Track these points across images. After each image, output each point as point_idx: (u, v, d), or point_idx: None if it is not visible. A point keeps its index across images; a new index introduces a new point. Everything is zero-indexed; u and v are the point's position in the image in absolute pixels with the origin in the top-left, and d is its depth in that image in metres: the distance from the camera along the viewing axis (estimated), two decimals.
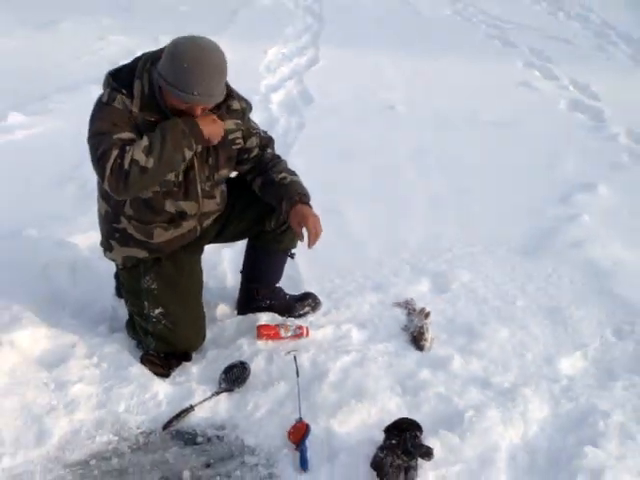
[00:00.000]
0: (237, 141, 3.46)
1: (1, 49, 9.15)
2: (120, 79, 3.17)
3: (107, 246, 3.58)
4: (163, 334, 3.53)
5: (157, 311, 3.49)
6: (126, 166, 2.95)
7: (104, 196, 3.40)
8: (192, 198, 3.39)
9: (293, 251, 3.82)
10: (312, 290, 4.02)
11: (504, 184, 5.54)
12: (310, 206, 3.43)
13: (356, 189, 5.45)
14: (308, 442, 3.01)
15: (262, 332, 3.65)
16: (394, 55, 9.02)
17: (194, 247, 3.66)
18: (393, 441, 2.85)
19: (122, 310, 3.81)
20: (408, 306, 3.89)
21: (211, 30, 9.94)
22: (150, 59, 3.17)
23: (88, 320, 3.87)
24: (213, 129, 3.12)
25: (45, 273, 4.11)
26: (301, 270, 4.23)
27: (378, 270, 4.28)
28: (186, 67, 2.94)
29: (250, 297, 3.91)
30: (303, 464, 2.93)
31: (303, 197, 3.42)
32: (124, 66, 3.26)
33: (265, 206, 3.46)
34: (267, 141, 3.64)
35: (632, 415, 3.09)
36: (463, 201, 5.24)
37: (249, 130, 3.52)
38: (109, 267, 3.92)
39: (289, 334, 3.63)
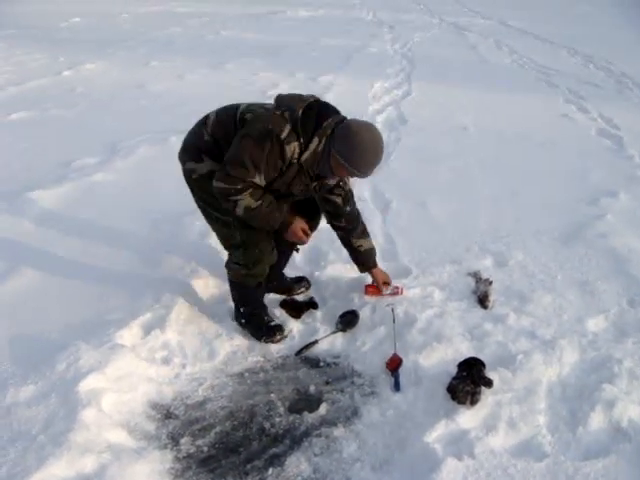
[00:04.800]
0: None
1: (188, 82, 9.40)
2: (306, 129, 2.86)
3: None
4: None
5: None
6: (233, 198, 2.88)
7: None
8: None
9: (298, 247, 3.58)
10: (405, 260, 3.96)
11: (547, 188, 5.32)
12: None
13: (437, 186, 5.31)
14: (400, 370, 3.02)
15: (368, 290, 3.63)
16: (467, 90, 8.82)
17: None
18: (464, 373, 2.85)
19: None
20: (476, 276, 3.79)
21: (332, 69, 10.08)
22: (331, 129, 2.91)
23: None
24: (292, 236, 3.14)
25: (207, 244, 4.13)
26: (398, 246, 4.18)
27: (454, 248, 4.18)
28: (366, 160, 2.93)
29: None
30: (396, 386, 2.94)
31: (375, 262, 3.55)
32: (309, 118, 2.88)
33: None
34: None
35: (638, 362, 3.03)
36: (517, 200, 5.05)
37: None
38: None
39: (388, 292, 3.59)
